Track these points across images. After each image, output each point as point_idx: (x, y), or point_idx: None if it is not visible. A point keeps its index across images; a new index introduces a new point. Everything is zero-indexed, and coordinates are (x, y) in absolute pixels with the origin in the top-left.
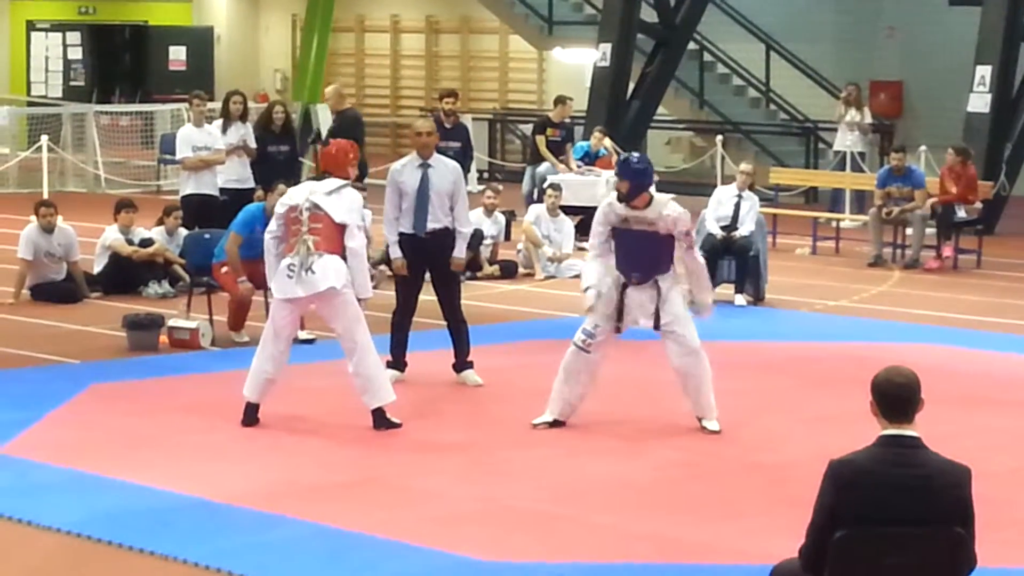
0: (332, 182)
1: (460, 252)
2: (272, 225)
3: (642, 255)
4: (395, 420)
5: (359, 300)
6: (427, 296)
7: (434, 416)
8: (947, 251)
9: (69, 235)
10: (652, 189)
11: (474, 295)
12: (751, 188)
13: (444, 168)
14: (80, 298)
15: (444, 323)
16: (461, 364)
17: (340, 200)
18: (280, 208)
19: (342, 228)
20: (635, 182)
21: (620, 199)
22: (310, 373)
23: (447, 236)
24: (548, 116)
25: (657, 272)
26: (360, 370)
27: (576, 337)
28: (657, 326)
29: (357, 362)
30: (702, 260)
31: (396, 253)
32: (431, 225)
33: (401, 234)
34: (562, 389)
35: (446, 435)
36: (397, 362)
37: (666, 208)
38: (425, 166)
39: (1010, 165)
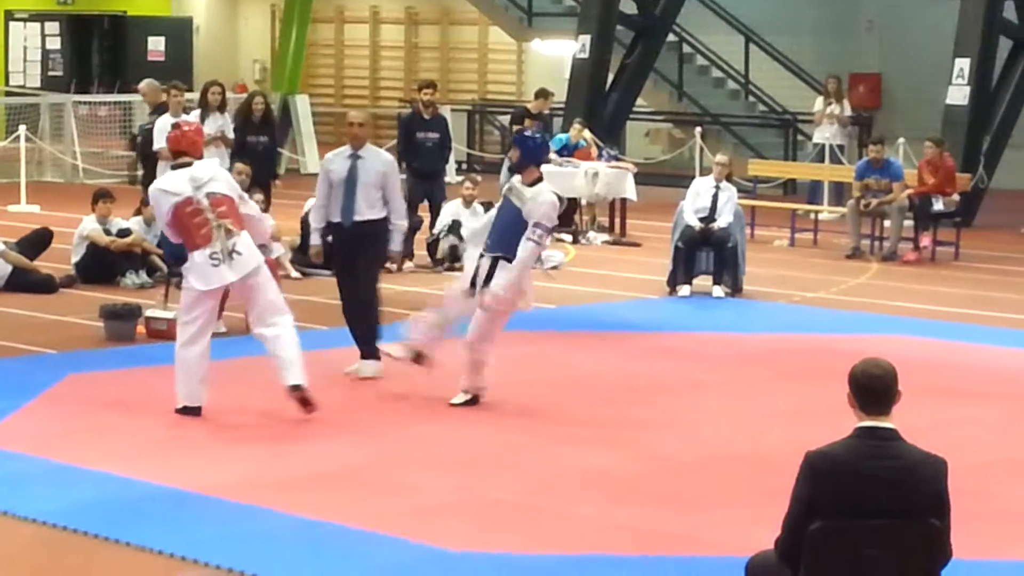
0: (206, 165)
1: (396, 245)
2: (168, 225)
3: (502, 228)
4: (311, 400)
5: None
6: (406, 286)
7: (410, 407)
8: (925, 241)
9: None
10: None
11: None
12: (728, 179)
13: (375, 160)
14: (54, 286)
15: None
16: (368, 352)
17: (224, 176)
18: (167, 205)
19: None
20: (524, 154)
21: (510, 168)
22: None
23: (372, 228)
24: (526, 107)
25: (502, 251)
26: (279, 351)
27: None
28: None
29: (274, 341)
30: (529, 255)
31: (315, 240)
32: (356, 216)
33: (330, 223)
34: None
35: (422, 426)
36: (370, 353)
37: (541, 195)
38: (355, 157)
39: (988, 157)
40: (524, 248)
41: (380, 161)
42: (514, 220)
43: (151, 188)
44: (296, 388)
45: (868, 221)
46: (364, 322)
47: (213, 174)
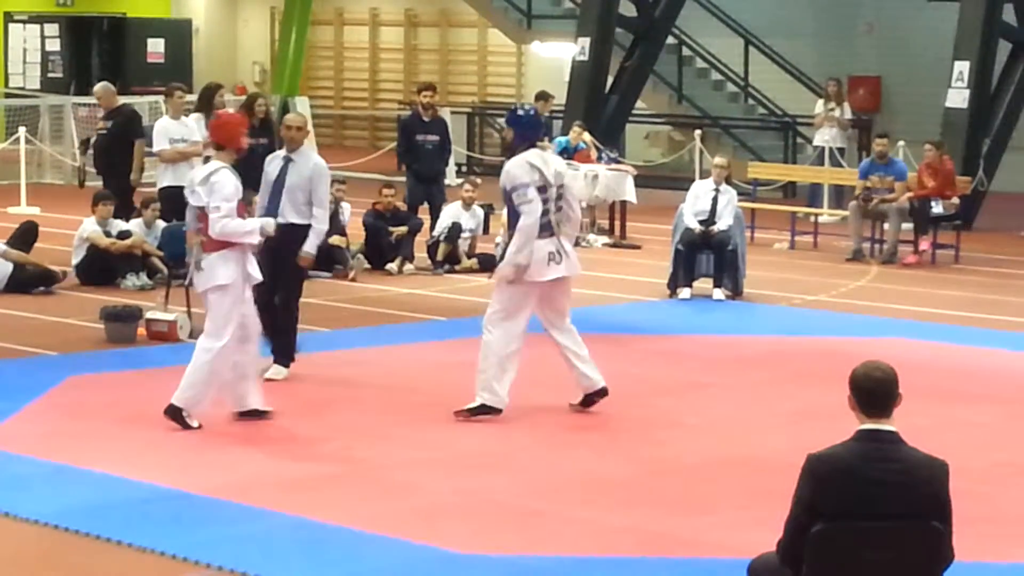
0: (207, 168)
1: (310, 248)
2: (188, 220)
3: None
4: (192, 423)
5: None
6: (407, 288)
7: (410, 409)
8: (924, 244)
9: None
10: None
11: (453, 288)
12: (728, 181)
13: (304, 164)
14: (55, 278)
15: (426, 316)
16: (279, 357)
17: (207, 188)
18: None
19: None
20: (517, 133)
21: (503, 148)
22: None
23: (296, 233)
24: None
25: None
26: (189, 368)
27: None
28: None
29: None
30: (524, 221)
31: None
32: (280, 219)
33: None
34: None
35: (423, 428)
36: (283, 358)
37: (506, 164)
38: (287, 160)
39: (988, 160)
40: (519, 218)
41: (308, 166)
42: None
43: None
44: (169, 406)
45: (868, 224)
46: (281, 328)
47: (196, 185)
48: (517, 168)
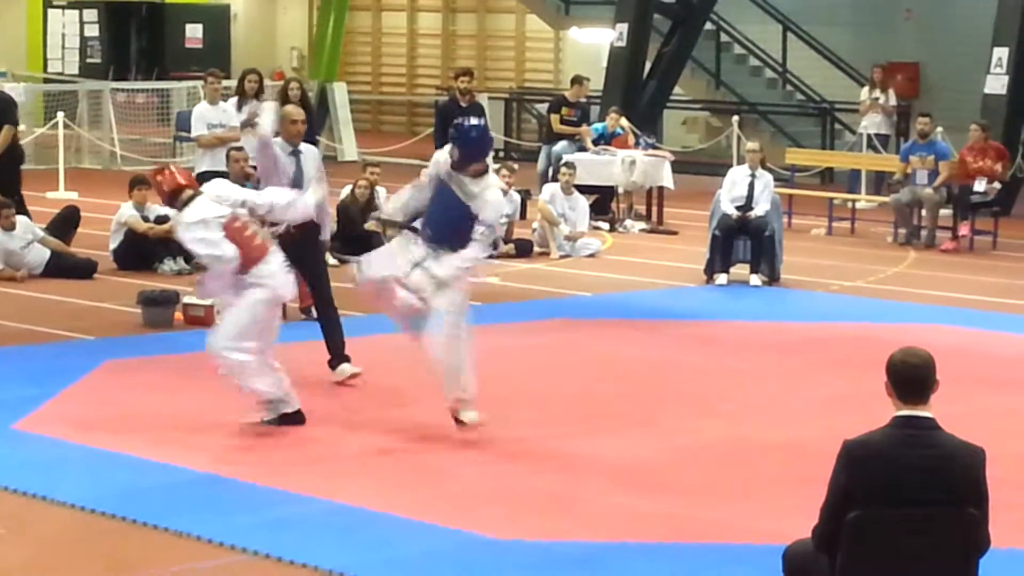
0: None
1: (326, 235)
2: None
3: (443, 220)
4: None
5: None
6: None
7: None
8: (963, 230)
9: (27, 224)
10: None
11: (489, 274)
12: (763, 166)
13: (309, 154)
14: (93, 270)
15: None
16: (336, 358)
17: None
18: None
19: None
20: (464, 151)
21: (452, 165)
22: (321, 352)
23: (312, 225)
24: (564, 95)
25: (446, 244)
26: None
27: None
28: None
29: None
30: (475, 253)
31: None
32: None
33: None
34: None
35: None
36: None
37: (489, 192)
38: (296, 153)
39: None
40: (473, 244)
41: (314, 155)
42: (456, 214)
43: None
44: None
45: (910, 211)
46: (330, 322)
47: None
48: (497, 207)
